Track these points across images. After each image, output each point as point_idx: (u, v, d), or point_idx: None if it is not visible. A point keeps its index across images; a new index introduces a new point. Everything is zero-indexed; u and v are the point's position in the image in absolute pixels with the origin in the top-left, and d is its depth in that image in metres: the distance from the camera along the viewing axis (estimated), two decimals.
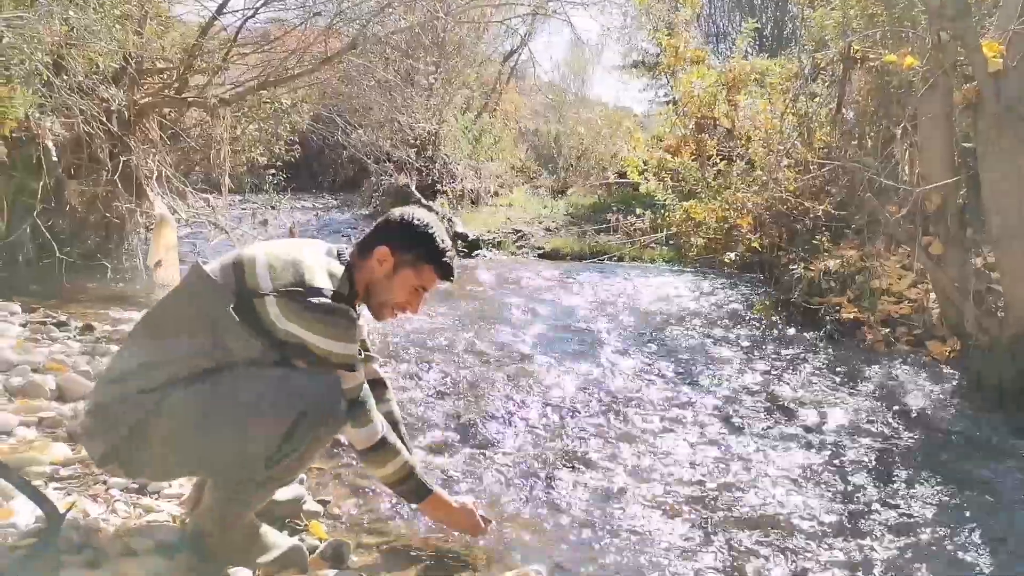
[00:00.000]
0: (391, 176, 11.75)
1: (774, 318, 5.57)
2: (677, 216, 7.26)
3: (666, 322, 5.54)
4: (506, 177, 13.95)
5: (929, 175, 4.20)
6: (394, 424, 2.31)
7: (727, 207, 6.70)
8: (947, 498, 2.74)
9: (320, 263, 1.94)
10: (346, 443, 2.50)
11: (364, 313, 2.23)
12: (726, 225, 6.76)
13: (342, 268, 1.98)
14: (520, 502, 2.61)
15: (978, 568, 2.27)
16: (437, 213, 10.51)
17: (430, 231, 2.06)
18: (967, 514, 2.61)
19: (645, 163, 7.96)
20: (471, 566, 2.17)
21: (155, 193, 6.09)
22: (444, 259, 2.06)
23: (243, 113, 8.97)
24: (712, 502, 2.67)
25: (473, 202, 12.29)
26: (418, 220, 2.07)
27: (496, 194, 13.05)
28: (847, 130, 6.25)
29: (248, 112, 8.99)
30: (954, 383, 4.01)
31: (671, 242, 8.29)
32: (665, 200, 7.71)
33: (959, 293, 4.03)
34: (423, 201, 11.23)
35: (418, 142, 12.01)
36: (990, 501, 2.73)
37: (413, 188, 11.67)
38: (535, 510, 2.56)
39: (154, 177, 6.20)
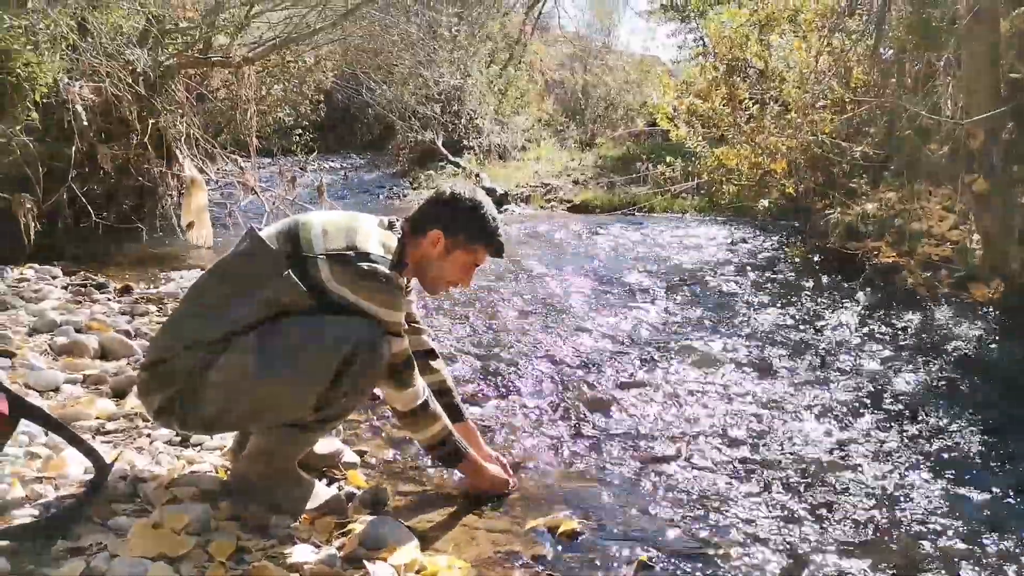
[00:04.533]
0: (417, 133, 11.68)
1: (810, 265, 5.46)
2: (708, 163, 7.10)
3: (698, 272, 5.46)
4: (533, 131, 13.77)
5: (973, 110, 4.02)
6: (446, 392, 2.33)
7: (760, 152, 6.53)
8: (991, 439, 2.69)
9: (374, 233, 1.96)
10: (384, 401, 2.52)
11: (414, 284, 2.26)
12: (759, 171, 6.61)
13: (395, 240, 2.01)
14: (553, 451, 2.62)
15: (1016, 498, 2.23)
16: (464, 169, 10.46)
17: (481, 211, 2.07)
18: (1011, 454, 2.56)
19: (675, 110, 7.77)
20: (506, 512, 2.19)
21: (184, 155, 6.13)
22: (497, 238, 2.09)
23: (267, 73, 8.95)
24: (747, 448, 2.66)
25: (500, 157, 12.18)
26: (470, 200, 2.08)
27: (523, 148, 12.91)
28: (886, 67, 6.01)
29: (273, 72, 8.97)
30: (997, 326, 3.91)
31: (702, 191, 8.14)
32: (696, 147, 7.54)
33: (1004, 233, 3.91)
34: (450, 158, 11.18)
35: (443, 97, 11.88)
36: None
37: (439, 145, 11.61)
38: (568, 458, 2.58)
39: (183, 139, 6.23)
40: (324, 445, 2.31)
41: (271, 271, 1.85)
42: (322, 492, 2.08)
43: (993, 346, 3.70)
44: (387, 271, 1.88)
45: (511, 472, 2.32)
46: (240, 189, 6.54)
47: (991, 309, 4.09)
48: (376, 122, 14.10)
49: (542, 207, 9.09)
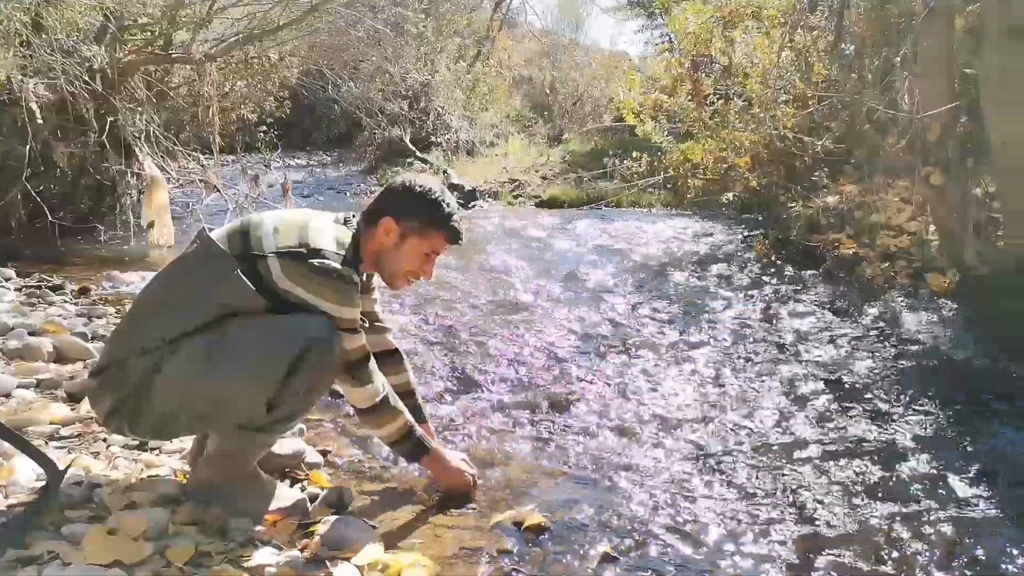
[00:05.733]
0: (384, 130, 11.60)
1: (773, 257, 5.54)
2: (674, 158, 7.16)
3: (664, 265, 5.51)
4: (501, 127, 13.77)
5: (929, 104, 4.11)
6: (409, 394, 2.31)
7: (724, 147, 6.60)
8: (945, 424, 2.76)
9: (328, 229, 1.93)
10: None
11: (378, 283, 2.24)
12: (723, 165, 6.68)
13: (350, 235, 1.97)
14: (519, 445, 2.62)
15: (973, 488, 2.28)
16: (432, 166, 10.41)
17: (433, 196, 2.03)
18: (965, 440, 2.63)
19: (641, 105, 7.81)
20: (471, 509, 2.19)
21: (144, 153, 6.01)
22: (451, 223, 2.05)
23: (230, 69, 8.81)
24: (710, 440, 2.68)
25: (468, 153, 12.15)
26: (421, 186, 2.05)
27: (492, 144, 12.90)
28: (846, 63, 6.11)
29: (236, 68, 8.84)
30: (953, 315, 4.00)
31: (669, 186, 8.21)
32: (662, 142, 7.60)
33: (959, 224, 4.00)
34: (418, 154, 11.13)
35: (410, 93, 11.82)
36: (988, 426, 2.75)
37: (407, 141, 11.55)
38: (534, 453, 2.58)
39: (142, 137, 6.11)
40: (286, 445, 2.28)
41: (221, 272, 1.82)
42: (284, 493, 2.06)
43: (948, 335, 3.79)
44: (340, 267, 1.85)
45: (474, 468, 2.31)
46: (202, 188, 6.43)
47: (947, 299, 4.19)
48: (343, 119, 13.98)
49: (510, 203, 9.10)
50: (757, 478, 2.39)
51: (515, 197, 9.29)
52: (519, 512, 2.14)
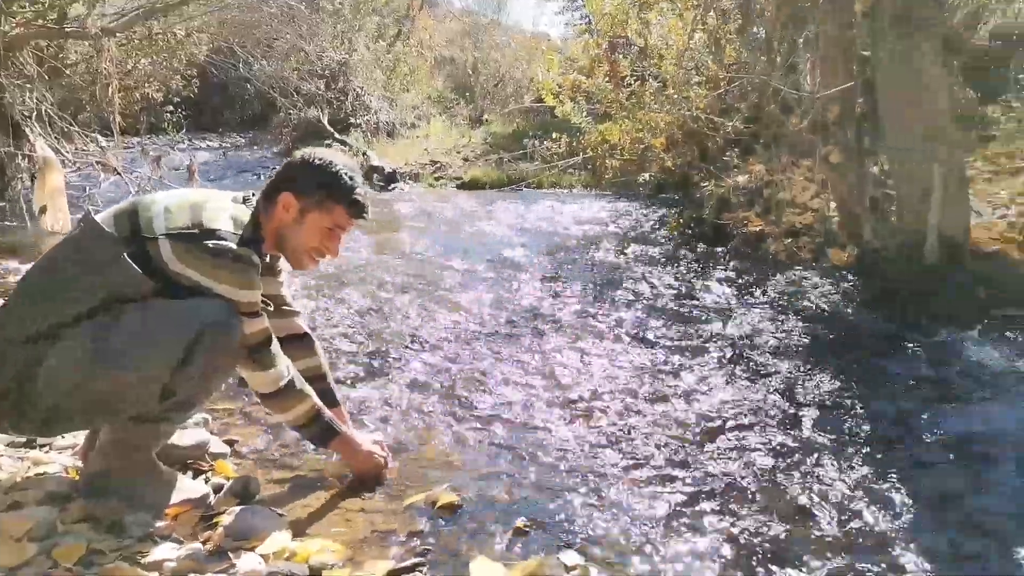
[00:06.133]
0: (301, 110, 11.27)
1: (687, 236, 5.69)
2: (592, 139, 7.24)
3: (582, 245, 5.58)
4: (423, 108, 13.58)
5: (829, 85, 4.27)
6: (320, 377, 2.25)
7: (641, 128, 6.71)
8: (844, 390, 2.89)
9: (223, 208, 1.84)
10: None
11: (285, 265, 2.17)
12: (640, 146, 6.79)
13: (249, 214, 1.89)
14: (435, 426, 2.61)
15: (869, 450, 2.41)
16: (351, 147, 10.19)
17: (333, 169, 1.95)
18: (862, 405, 2.77)
19: (560, 86, 7.85)
20: (384, 492, 2.17)
21: (36, 134, 5.64)
22: (353, 196, 1.96)
23: (133, 46, 8.37)
24: (623, 415, 2.74)
25: (389, 135, 11.94)
26: (320, 160, 1.97)
27: (413, 126, 12.72)
28: (755, 45, 6.29)
29: (139, 44, 8.39)
30: (852, 287, 4.20)
31: (588, 166, 8.30)
32: (581, 123, 7.66)
33: (856, 201, 4.19)
34: (336, 135, 10.87)
35: (327, 73, 11.51)
36: (883, 391, 2.90)
37: (325, 122, 11.26)
38: (450, 433, 2.57)
39: (33, 116, 5.73)
40: (188, 436, 2.20)
41: (106, 256, 1.72)
42: (186, 485, 1.99)
43: (847, 306, 3.98)
44: (237, 248, 1.78)
45: (388, 452, 2.28)
46: (101, 171, 6.09)
47: (846, 272, 4.39)
48: (257, 99, 13.51)
49: (431, 185, 9.01)
50: (668, 449, 2.46)
51: (436, 179, 9.21)
52: (432, 492, 2.13)
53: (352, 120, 11.73)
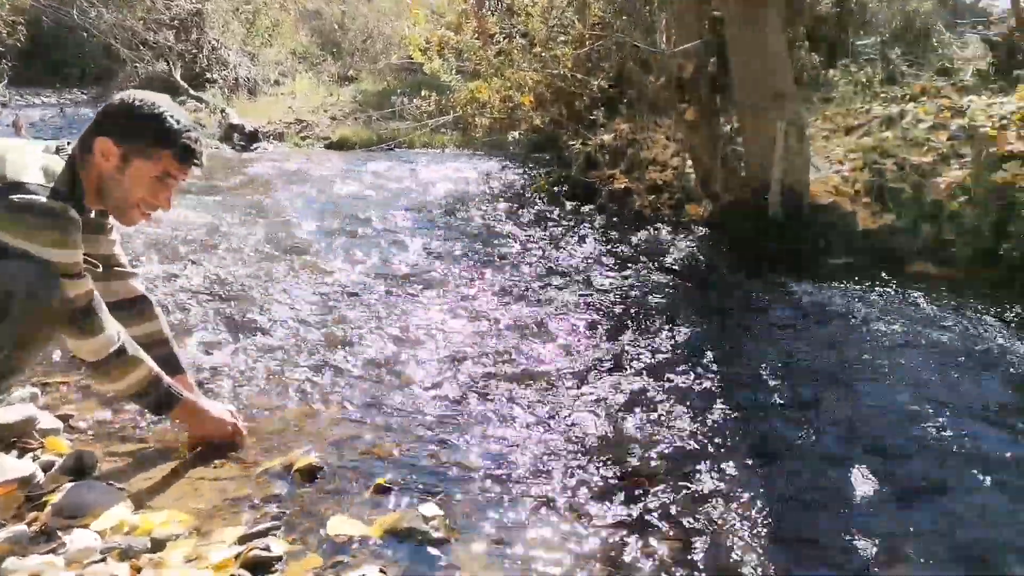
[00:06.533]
0: (149, 64, 10.42)
1: (556, 194, 5.78)
2: (462, 97, 7.16)
3: (453, 205, 5.55)
4: (287, 64, 12.92)
5: (683, 44, 4.42)
6: (162, 342, 2.10)
7: (510, 86, 6.70)
8: (698, 337, 3.06)
9: (33, 159, 1.66)
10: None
11: (116, 222, 1.98)
12: (510, 104, 6.79)
13: (63, 164, 1.71)
14: (295, 390, 2.53)
15: (718, 391, 2.57)
16: (208, 105, 9.56)
17: (157, 111, 1.77)
18: (714, 350, 2.94)
19: (427, 42, 7.68)
20: (237, 458, 2.08)
21: None
22: (182, 140, 1.79)
23: None
24: (490, 369, 2.76)
25: (250, 92, 11.30)
26: (140, 101, 1.78)
27: (276, 83, 12.09)
28: (618, 4, 6.40)
29: None
30: (706, 240, 4.43)
31: (460, 125, 8.22)
32: (450, 81, 7.56)
33: (709, 157, 4.39)
34: (191, 92, 10.16)
35: (177, 24, 10.67)
36: (733, 337, 3.09)
37: (177, 77, 10.48)
38: (311, 396, 2.50)
39: None
40: (12, 412, 2.02)
41: None
42: (9, 465, 1.82)
43: (703, 259, 4.19)
44: (48, 201, 1.61)
45: (239, 418, 2.19)
46: None
47: (702, 226, 4.63)
48: (102, 52, 12.35)
49: (297, 145, 8.64)
50: (532, 402, 2.51)
51: (302, 139, 8.83)
52: (290, 456, 2.07)
53: (208, 76, 10.98)
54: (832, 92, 6.92)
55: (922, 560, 1.71)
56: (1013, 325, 3.10)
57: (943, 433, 2.26)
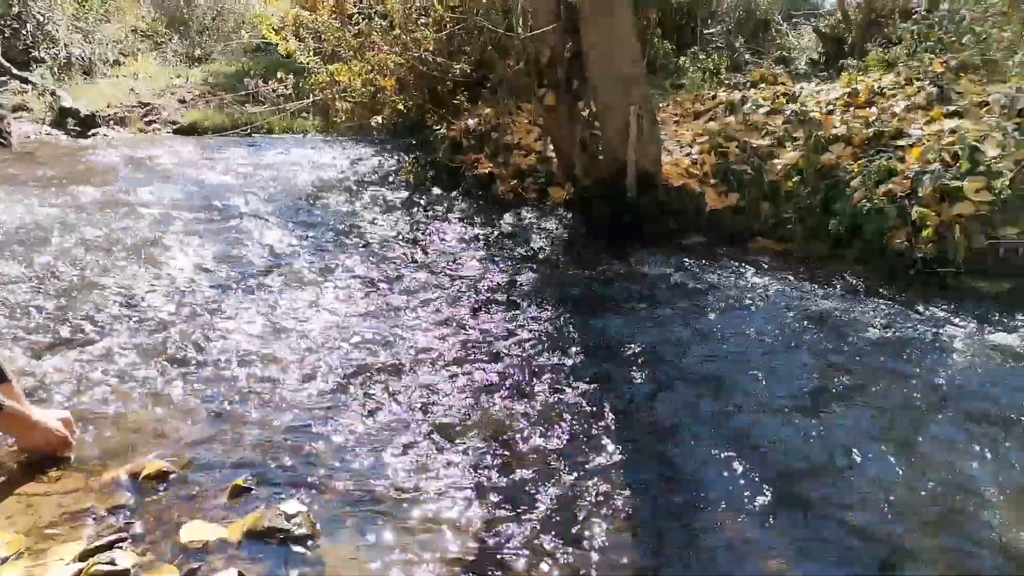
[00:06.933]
0: None
1: (422, 180, 5.73)
2: (321, 80, 6.91)
3: (316, 192, 5.38)
4: (127, 43, 11.94)
5: (538, 28, 4.48)
6: None
7: (371, 69, 6.54)
8: (561, 315, 3.15)
9: None
10: None
11: None
12: (371, 88, 6.64)
13: None
14: (141, 393, 2.38)
15: (578, 365, 2.66)
16: (35, 86, 8.69)
17: None
18: (573, 323, 3.03)
19: (282, 21, 7.34)
20: (82, 469, 1.94)
21: None
22: None
23: None
24: (353, 359, 2.72)
25: (86, 72, 10.35)
26: None
27: (117, 63, 11.14)
28: None
29: None
30: (568, 223, 4.56)
31: (322, 109, 7.95)
32: (308, 63, 7.28)
33: (569, 141, 4.51)
34: (14, 71, 9.18)
35: None
36: (592, 309, 3.20)
37: None
38: (160, 398, 2.36)
39: None
40: None
41: None
42: None
43: (565, 239, 4.31)
44: None
45: (74, 427, 2.03)
46: None
47: (565, 208, 4.75)
48: None
49: (142, 130, 8.04)
50: (396, 389, 2.49)
51: (148, 123, 8.22)
52: (137, 463, 1.95)
53: (35, 53, 9.96)
54: (682, 79, 7.28)
55: (761, 517, 1.86)
56: (839, 291, 3.41)
57: (782, 395, 2.46)
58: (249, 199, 5.06)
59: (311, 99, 7.70)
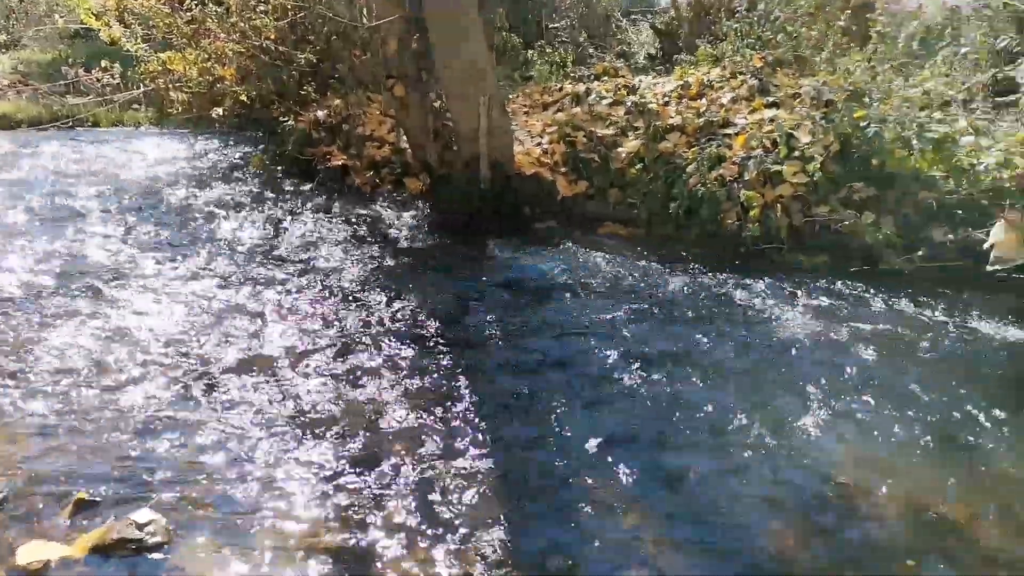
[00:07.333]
0: None
1: (272, 173, 5.52)
2: (151, 69, 6.45)
3: (155, 189, 5.03)
4: None
5: (382, 17, 4.44)
6: None
7: (208, 57, 6.19)
8: (414, 301, 3.16)
9: None
10: None
11: None
12: (209, 78, 6.28)
13: None
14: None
15: (442, 351, 2.69)
16: None
17: None
18: (431, 312, 3.06)
19: (103, 6, 6.76)
20: None
21: None
22: None
23: None
24: (204, 358, 2.60)
25: None
26: None
27: None
28: None
29: None
30: (425, 213, 4.57)
31: (155, 101, 7.42)
32: (136, 51, 6.76)
33: (422, 132, 4.51)
34: None
35: None
36: (448, 298, 3.25)
37: None
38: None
39: None
40: None
41: None
42: None
43: (421, 231, 4.32)
44: None
45: None
46: None
47: (421, 199, 4.75)
48: None
49: None
50: (251, 387, 2.41)
51: None
52: None
53: None
54: (531, 71, 7.46)
55: (625, 482, 1.99)
56: (679, 269, 3.67)
57: (623, 364, 2.62)
58: (75, 196, 4.65)
59: (142, 90, 7.17)
